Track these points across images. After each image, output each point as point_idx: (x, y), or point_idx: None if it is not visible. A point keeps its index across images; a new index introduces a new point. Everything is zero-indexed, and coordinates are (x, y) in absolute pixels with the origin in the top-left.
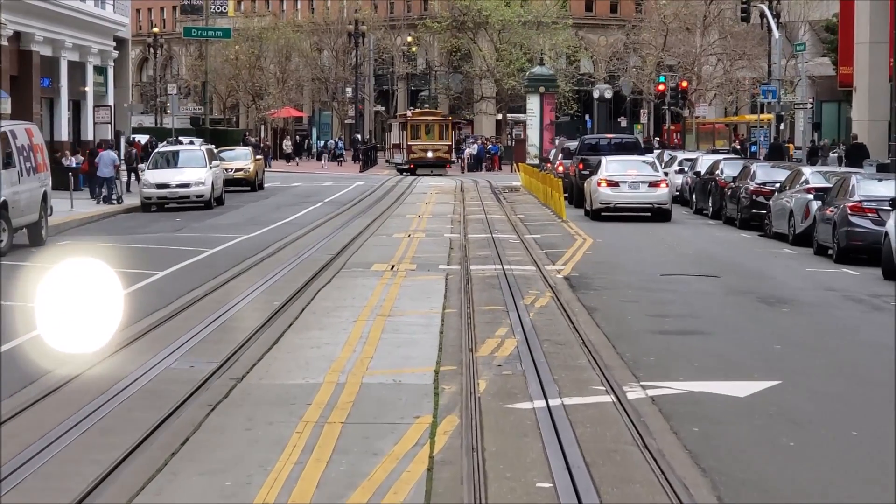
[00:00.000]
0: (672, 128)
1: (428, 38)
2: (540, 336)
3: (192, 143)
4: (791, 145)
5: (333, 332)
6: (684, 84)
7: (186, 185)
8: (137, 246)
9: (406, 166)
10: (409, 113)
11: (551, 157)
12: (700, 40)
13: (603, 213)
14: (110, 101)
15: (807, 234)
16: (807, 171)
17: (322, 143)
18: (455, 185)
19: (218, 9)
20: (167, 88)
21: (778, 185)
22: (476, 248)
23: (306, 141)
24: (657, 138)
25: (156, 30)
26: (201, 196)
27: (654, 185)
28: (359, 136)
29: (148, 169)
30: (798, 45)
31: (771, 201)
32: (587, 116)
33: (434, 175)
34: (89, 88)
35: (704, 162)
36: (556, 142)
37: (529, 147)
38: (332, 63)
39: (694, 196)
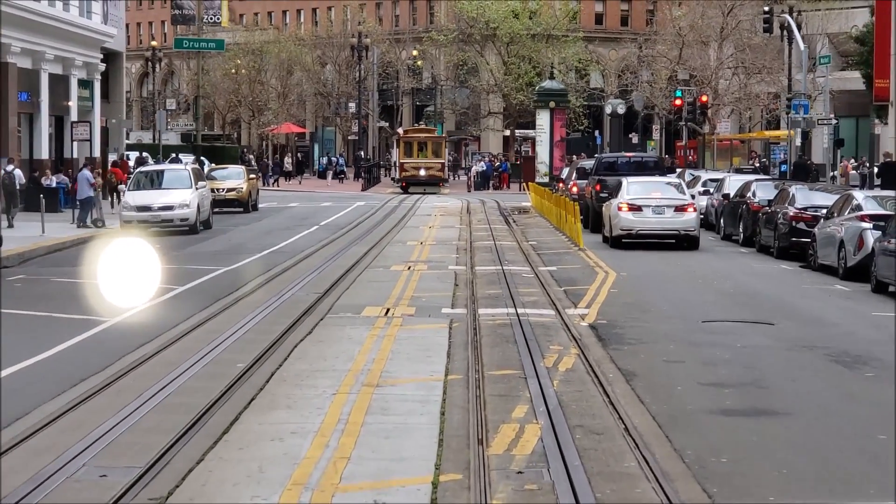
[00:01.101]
0: (685, 144)
1: (434, 52)
2: (570, 419)
3: (178, 160)
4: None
5: (304, 412)
6: (704, 98)
7: (169, 208)
8: (94, 281)
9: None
10: (400, 131)
11: (564, 177)
12: (717, 53)
13: (624, 241)
14: (96, 116)
15: (861, 268)
16: (859, 195)
17: (325, 159)
18: (461, 206)
19: (211, 19)
20: (166, 104)
21: (819, 210)
22: (485, 285)
23: (308, 157)
24: (666, 156)
25: (154, 43)
26: (186, 220)
27: (680, 209)
28: (361, 153)
29: (128, 190)
30: (823, 57)
31: (816, 229)
32: (597, 133)
33: (427, 193)
34: (73, 103)
35: (732, 183)
36: (572, 160)
37: (539, 165)
38: (335, 77)
39: (722, 220)
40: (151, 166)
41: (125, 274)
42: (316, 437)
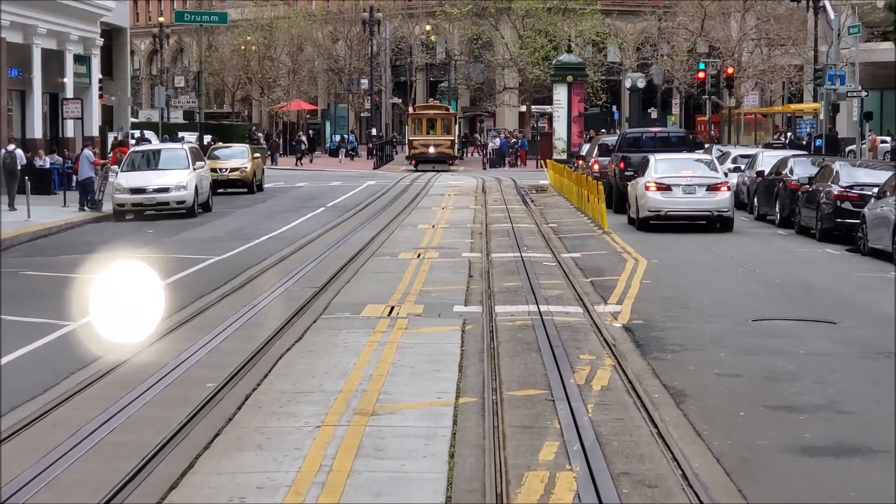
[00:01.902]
0: (706, 119)
1: (447, 27)
2: (612, 463)
3: (182, 139)
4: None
5: (278, 454)
6: (730, 70)
7: (165, 190)
8: (70, 275)
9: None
10: (411, 108)
11: (584, 154)
12: (740, 24)
13: (652, 222)
14: (93, 94)
15: None
16: None
17: (338, 137)
18: (476, 185)
19: None
20: (174, 81)
21: (866, 188)
22: (502, 276)
23: (319, 135)
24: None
25: (161, 19)
26: (182, 202)
27: (713, 188)
28: (373, 131)
29: (121, 171)
30: (852, 27)
31: (866, 210)
32: (615, 108)
33: (437, 171)
34: (68, 80)
35: (766, 159)
36: (592, 136)
37: (556, 141)
38: (347, 53)
39: (756, 199)
40: (147, 146)
41: (121, 309)
42: (288, 494)
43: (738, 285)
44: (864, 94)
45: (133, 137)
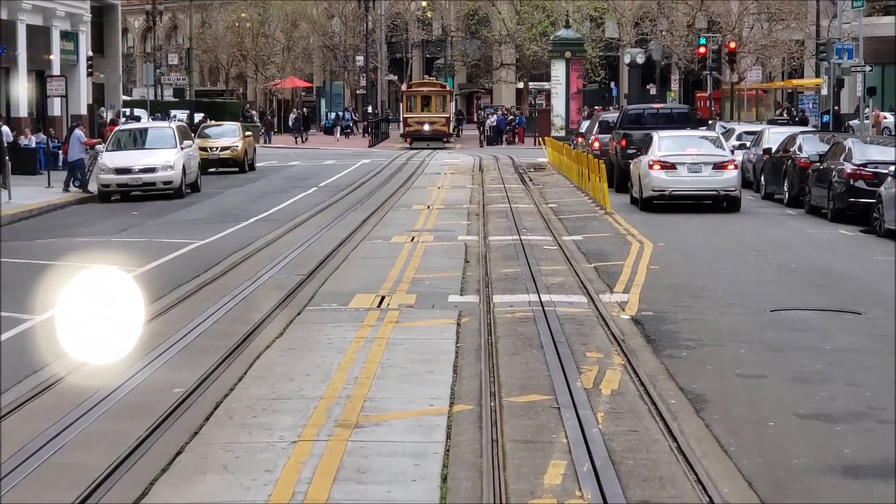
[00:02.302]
0: (705, 95)
1: (444, 3)
2: (628, 488)
3: (174, 118)
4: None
5: (246, 477)
6: (732, 45)
7: (152, 170)
8: (40, 262)
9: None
10: (404, 86)
11: (584, 131)
12: None
13: (655, 202)
14: (81, 71)
15: None
16: None
17: (333, 115)
18: (473, 163)
19: None
20: (167, 58)
21: (880, 166)
22: (500, 261)
23: (315, 113)
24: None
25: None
26: (170, 182)
27: (720, 166)
28: (369, 108)
29: (106, 150)
30: (856, 0)
31: (882, 189)
32: (612, 84)
33: (432, 149)
34: (55, 57)
35: (772, 136)
36: (592, 113)
37: (554, 118)
38: (342, 30)
39: (763, 178)
40: (133, 124)
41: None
42: None
43: (751, 271)
44: (867, 68)
45: (124, 116)
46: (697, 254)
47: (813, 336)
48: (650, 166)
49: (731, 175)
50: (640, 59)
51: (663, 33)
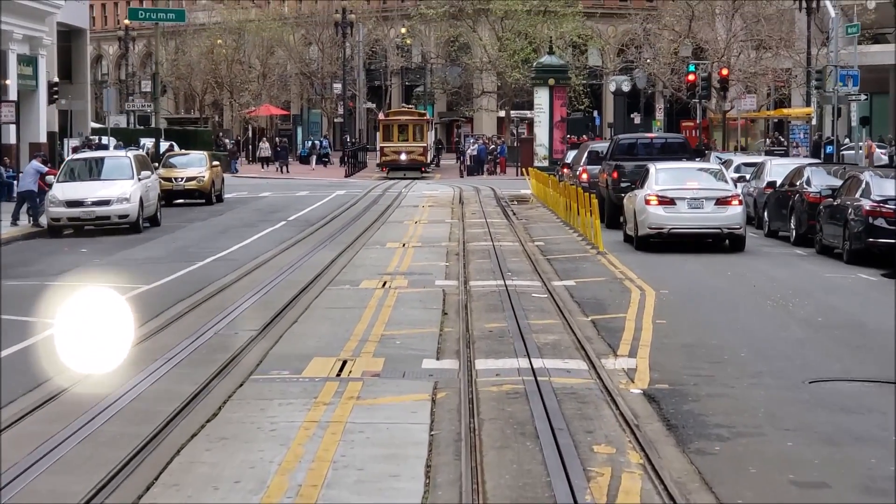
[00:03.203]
0: (692, 124)
1: (423, 29)
2: None
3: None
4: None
5: None
6: (725, 72)
7: (105, 203)
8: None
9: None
10: (381, 114)
11: (570, 161)
12: (729, 24)
13: (652, 240)
14: (41, 97)
15: None
16: None
17: (309, 143)
18: (452, 195)
19: None
20: (141, 85)
21: None
22: (483, 313)
23: (290, 141)
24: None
25: (127, 22)
26: (125, 216)
27: (723, 202)
28: (347, 137)
29: (57, 181)
30: (851, 26)
31: None
32: (595, 113)
33: (409, 178)
34: (11, 81)
35: (774, 168)
36: (579, 142)
37: (537, 147)
38: (319, 57)
39: (766, 213)
40: (87, 153)
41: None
42: None
43: (773, 325)
44: (863, 97)
45: (87, 144)
46: (707, 303)
47: (872, 421)
48: (647, 201)
49: (735, 211)
50: (626, 87)
51: (648, 61)
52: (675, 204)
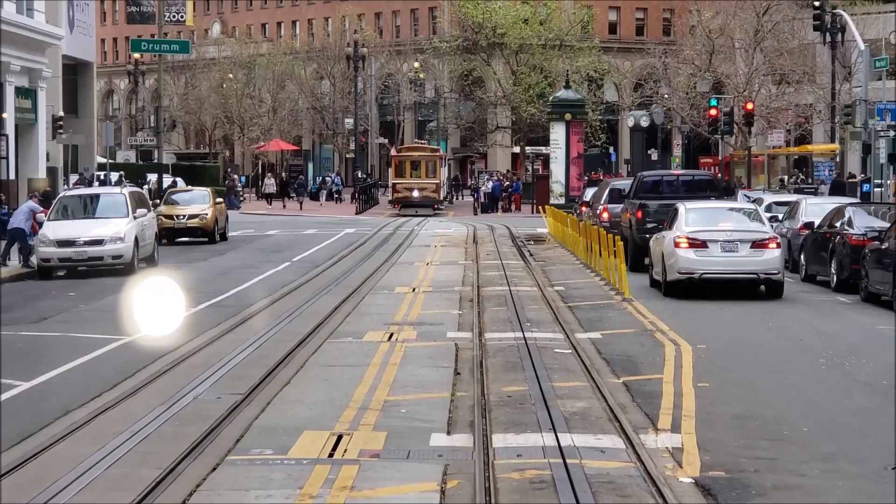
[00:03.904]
0: (710, 161)
1: (436, 63)
2: None
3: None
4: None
5: None
6: (750, 106)
7: (98, 242)
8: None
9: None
10: (393, 150)
11: (589, 199)
12: (750, 58)
13: (682, 285)
14: (41, 131)
15: None
16: None
17: (319, 179)
18: (466, 234)
19: (173, 17)
20: (150, 121)
21: None
22: (501, 374)
23: (300, 177)
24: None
25: (136, 56)
26: (119, 257)
27: (759, 245)
28: (359, 173)
29: (48, 220)
30: (879, 60)
31: None
32: (611, 149)
33: (420, 216)
34: (9, 115)
35: (809, 208)
36: (599, 179)
37: (553, 184)
38: (331, 91)
39: (802, 257)
40: (80, 190)
41: None
42: None
43: (832, 391)
44: (892, 133)
45: (92, 178)
46: (751, 362)
47: None
48: (676, 244)
49: (773, 255)
50: (645, 122)
51: (665, 96)
52: (707, 247)
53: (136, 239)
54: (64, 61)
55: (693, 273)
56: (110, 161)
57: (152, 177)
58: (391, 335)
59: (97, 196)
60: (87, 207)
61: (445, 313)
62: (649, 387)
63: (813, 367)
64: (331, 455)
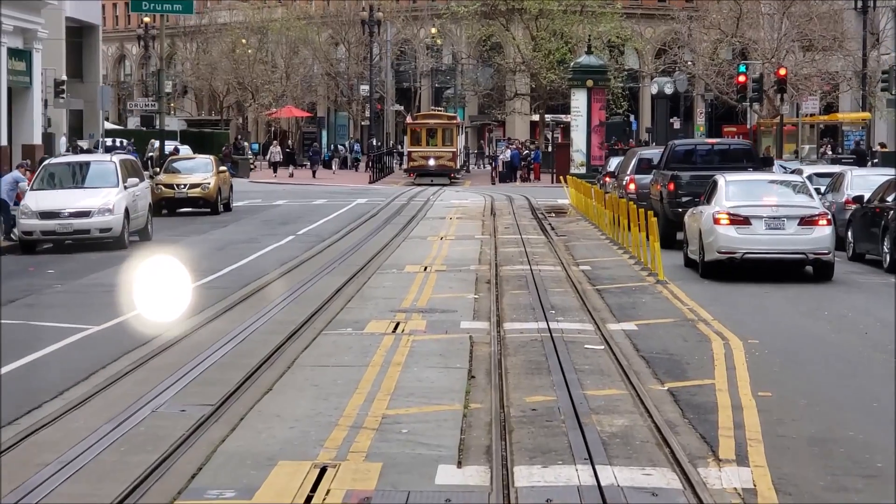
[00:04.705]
0: (734, 130)
1: (454, 29)
2: None
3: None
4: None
5: None
6: (783, 71)
7: (85, 214)
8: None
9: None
10: (409, 117)
11: (613, 170)
12: (781, 24)
13: (721, 265)
14: (36, 95)
15: None
16: None
17: (332, 147)
18: (483, 205)
19: None
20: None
21: None
22: (523, 377)
23: (314, 144)
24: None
25: (147, 19)
26: (108, 229)
27: (808, 221)
28: (373, 141)
29: (31, 189)
30: None
31: None
32: (632, 117)
33: (436, 185)
34: (1, 78)
35: (855, 180)
36: (619, 147)
37: (574, 153)
38: (346, 56)
39: (850, 233)
40: (68, 157)
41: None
42: None
43: None
44: None
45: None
46: (815, 362)
47: None
48: (716, 220)
49: (823, 233)
50: (669, 89)
51: (689, 63)
52: (750, 224)
53: (127, 210)
54: (68, 24)
55: (734, 253)
56: (120, 128)
57: (156, 143)
58: (397, 325)
59: (87, 164)
60: (76, 176)
61: (459, 298)
62: (701, 396)
63: (885, 367)
64: (308, 500)
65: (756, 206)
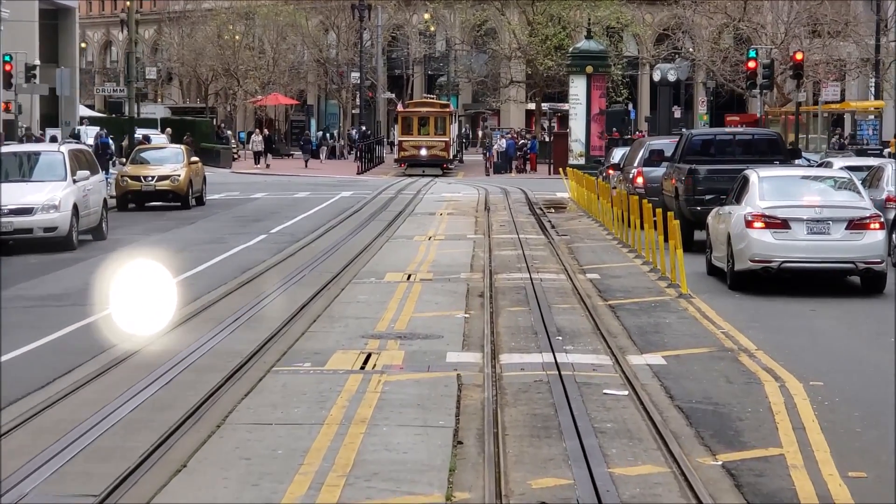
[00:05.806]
0: (738, 119)
1: (447, 14)
2: None
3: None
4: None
5: None
6: (800, 56)
7: (27, 212)
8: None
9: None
10: (400, 105)
11: (618, 161)
12: (790, 7)
13: (753, 275)
14: None
15: None
16: None
17: (319, 135)
18: (477, 199)
19: None
20: (145, 72)
21: None
22: (526, 443)
23: (305, 132)
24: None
25: (128, 2)
26: (53, 229)
27: (858, 225)
28: (354, 131)
29: None
30: None
31: None
32: (630, 106)
33: (427, 176)
34: None
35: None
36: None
37: (573, 143)
38: (336, 42)
39: (894, 236)
40: (12, 147)
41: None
42: None
43: None
44: None
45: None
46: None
47: None
48: (748, 223)
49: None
50: (672, 76)
51: (691, 49)
52: (789, 227)
53: (76, 207)
54: (42, 5)
55: (770, 261)
56: (99, 115)
57: (143, 133)
58: (367, 358)
59: (35, 155)
60: (22, 168)
61: (446, 317)
62: (769, 477)
63: None
64: None
65: (796, 206)
